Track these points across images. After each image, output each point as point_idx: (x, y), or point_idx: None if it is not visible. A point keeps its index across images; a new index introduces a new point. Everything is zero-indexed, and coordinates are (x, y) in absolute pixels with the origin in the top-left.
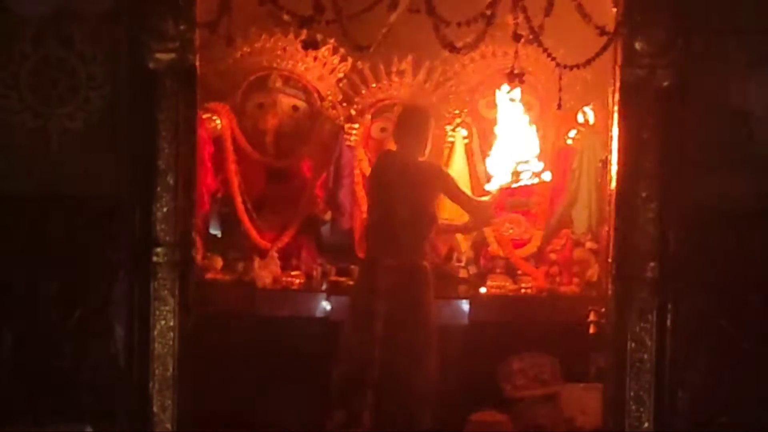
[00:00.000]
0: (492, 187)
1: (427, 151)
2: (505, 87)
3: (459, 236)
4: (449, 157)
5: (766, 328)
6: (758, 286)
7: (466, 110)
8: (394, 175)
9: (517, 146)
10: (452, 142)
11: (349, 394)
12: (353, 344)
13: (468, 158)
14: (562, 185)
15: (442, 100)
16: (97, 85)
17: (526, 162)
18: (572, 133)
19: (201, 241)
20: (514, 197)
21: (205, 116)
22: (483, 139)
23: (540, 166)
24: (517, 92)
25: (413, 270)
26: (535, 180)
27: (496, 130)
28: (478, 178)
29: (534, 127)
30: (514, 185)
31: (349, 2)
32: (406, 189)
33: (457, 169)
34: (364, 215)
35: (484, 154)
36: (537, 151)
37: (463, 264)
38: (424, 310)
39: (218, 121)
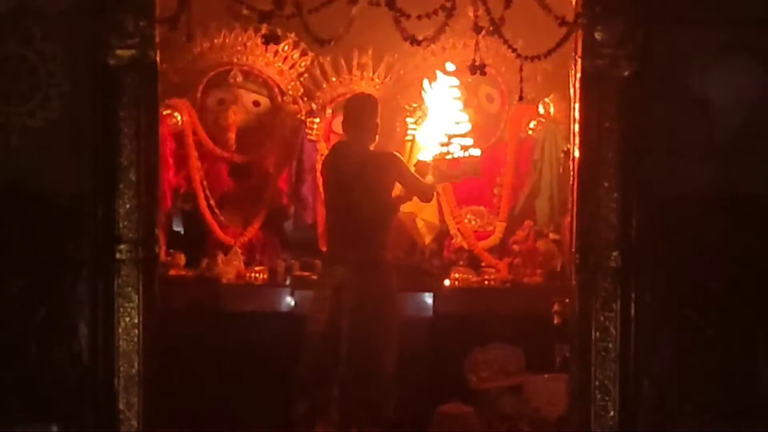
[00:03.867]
0: (424, 157)
1: (377, 139)
2: (449, 68)
3: (421, 229)
4: (411, 149)
5: (728, 316)
6: (720, 273)
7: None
8: (348, 166)
9: (448, 122)
10: (413, 135)
11: (314, 387)
12: (318, 339)
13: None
14: (523, 176)
15: (402, 94)
16: (57, 82)
17: (456, 136)
18: (533, 124)
19: (164, 238)
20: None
21: (165, 113)
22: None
23: (469, 141)
24: (453, 80)
25: (376, 264)
26: (464, 153)
27: (429, 105)
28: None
29: (465, 112)
30: (447, 157)
31: None
32: (361, 179)
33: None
34: (322, 209)
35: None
36: (468, 128)
37: (426, 256)
38: (388, 303)
39: (179, 118)
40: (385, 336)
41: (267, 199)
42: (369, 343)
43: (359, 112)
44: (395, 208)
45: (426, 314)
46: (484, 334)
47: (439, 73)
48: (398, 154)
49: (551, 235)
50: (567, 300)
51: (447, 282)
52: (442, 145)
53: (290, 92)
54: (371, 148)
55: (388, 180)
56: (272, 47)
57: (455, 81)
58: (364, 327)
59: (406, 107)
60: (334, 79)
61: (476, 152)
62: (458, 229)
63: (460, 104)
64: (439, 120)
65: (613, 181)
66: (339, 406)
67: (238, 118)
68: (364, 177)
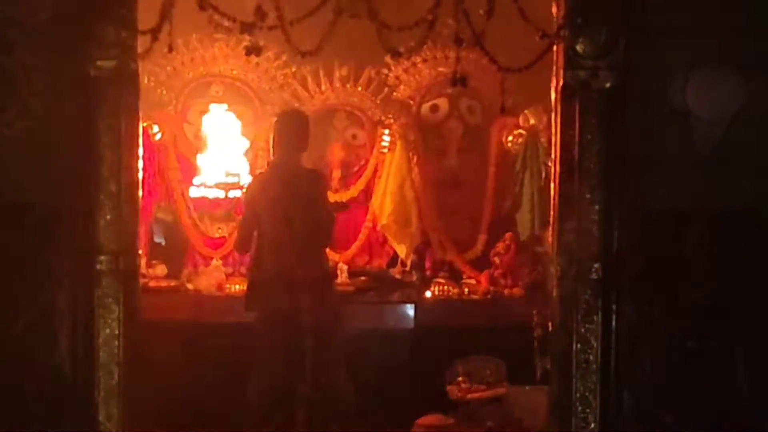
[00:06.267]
0: (198, 193)
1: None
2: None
3: (403, 241)
4: (391, 160)
5: (709, 328)
6: (702, 286)
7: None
8: (284, 185)
9: (227, 157)
10: (392, 146)
11: (273, 411)
12: (277, 362)
13: (408, 161)
14: (504, 188)
15: (383, 105)
16: (37, 92)
17: (235, 175)
18: (513, 137)
19: (145, 249)
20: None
21: (146, 123)
22: (425, 142)
23: (246, 180)
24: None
25: (323, 279)
26: (238, 193)
27: (208, 139)
28: (419, 180)
29: (245, 141)
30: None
31: (291, 8)
32: (300, 196)
33: (398, 172)
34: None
35: (425, 158)
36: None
37: (407, 268)
38: (337, 317)
39: (160, 129)
40: (338, 349)
41: None
42: (327, 359)
43: (293, 127)
44: (333, 219)
45: (407, 326)
46: (465, 346)
47: (215, 109)
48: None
49: (532, 247)
50: (548, 312)
51: (428, 294)
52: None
53: (271, 103)
54: (302, 164)
55: (323, 194)
56: (254, 59)
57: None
58: (321, 344)
59: (383, 119)
60: (315, 90)
61: (236, 193)
62: (439, 241)
63: (244, 141)
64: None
65: (594, 193)
66: (304, 427)
67: None
68: (302, 193)
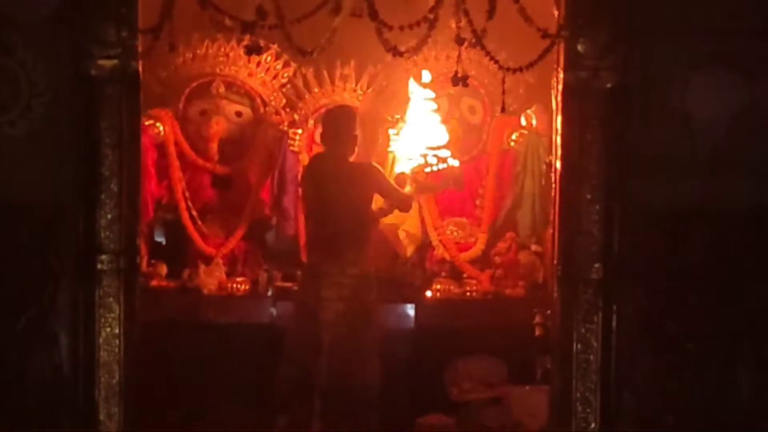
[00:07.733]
0: (403, 169)
1: (356, 150)
2: (424, 78)
3: (404, 240)
4: (393, 161)
5: (709, 329)
6: (701, 286)
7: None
8: (327, 178)
9: (425, 134)
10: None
11: (293, 399)
12: (299, 351)
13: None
14: (506, 188)
15: (385, 105)
16: (39, 92)
17: (435, 148)
18: (515, 136)
19: (145, 249)
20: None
21: (147, 123)
22: None
23: (446, 153)
24: (429, 92)
25: (358, 278)
26: (442, 165)
27: (407, 117)
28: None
29: (447, 123)
30: (426, 170)
31: (292, 7)
32: (340, 191)
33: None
34: (303, 221)
35: None
36: (445, 139)
37: (408, 268)
38: (371, 316)
39: (161, 128)
40: (365, 349)
41: (249, 209)
42: (349, 357)
43: (338, 123)
44: (375, 220)
45: (408, 326)
46: (465, 346)
47: (414, 84)
48: (377, 165)
49: (533, 247)
50: (548, 312)
51: (429, 293)
52: (421, 156)
53: (272, 103)
54: (350, 159)
55: (367, 192)
56: (255, 58)
57: (431, 93)
58: (343, 340)
59: (388, 118)
60: (316, 90)
61: (454, 163)
62: (440, 241)
63: (436, 116)
64: (416, 131)
65: (594, 193)
66: (320, 419)
67: (220, 129)
68: (343, 189)
